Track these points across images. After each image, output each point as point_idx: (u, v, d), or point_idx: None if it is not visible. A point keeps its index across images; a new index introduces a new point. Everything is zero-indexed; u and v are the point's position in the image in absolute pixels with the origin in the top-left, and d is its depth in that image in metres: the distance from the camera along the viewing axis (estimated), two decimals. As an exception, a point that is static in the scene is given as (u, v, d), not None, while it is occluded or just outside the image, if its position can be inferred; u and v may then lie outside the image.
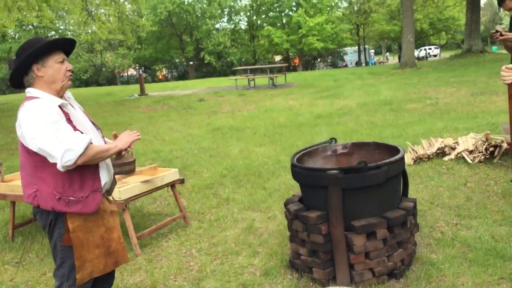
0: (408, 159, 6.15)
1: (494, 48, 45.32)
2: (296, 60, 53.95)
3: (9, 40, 49.29)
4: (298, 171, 3.68)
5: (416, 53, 34.36)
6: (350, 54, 57.59)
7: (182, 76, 54.93)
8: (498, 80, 13.70)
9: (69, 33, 49.55)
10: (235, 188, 6.13)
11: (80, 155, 2.45)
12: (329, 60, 57.73)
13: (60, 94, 2.67)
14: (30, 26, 48.76)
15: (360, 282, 3.41)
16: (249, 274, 3.82)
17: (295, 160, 3.82)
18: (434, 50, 55.95)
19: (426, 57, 47.85)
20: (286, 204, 3.89)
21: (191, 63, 52.35)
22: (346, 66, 52.08)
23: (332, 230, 3.44)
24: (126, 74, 58.25)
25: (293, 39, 48.25)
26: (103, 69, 49.89)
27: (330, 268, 3.52)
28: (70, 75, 2.70)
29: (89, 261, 2.68)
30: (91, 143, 2.52)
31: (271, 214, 5.09)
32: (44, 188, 2.58)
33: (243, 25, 56.67)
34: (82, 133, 2.60)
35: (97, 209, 2.66)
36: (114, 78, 51.84)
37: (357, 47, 57.12)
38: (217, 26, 52.99)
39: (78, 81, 48.94)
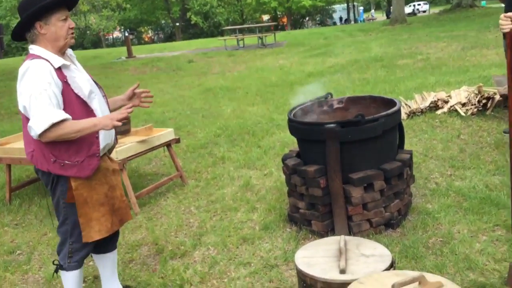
0: (402, 113, 6.17)
1: (483, 2, 44.89)
2: (284, 19, 53.21)
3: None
4: (296, 126, 3.69)
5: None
6: (339, 11, 56.84)
7: (169, 38, 54.05)
8: (488, 34, 13.70)
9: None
10: (230, 147, 6.15)
11: (41, 135, 2.41)
12: (317, 19, 56.98)
13: (62, 51, 2.63)
14: (10, -11, 47.43)
15: (358, 232, 3.49)
16: (248, 229, 3.88)
17: (292, 115, 3.83)
18: (423, 6, 55.36)
19: (414, 13, 47.34)
20: (284, 160, 3.92)
21: (177, 24, 51.41)
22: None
23: (330, 183, 3.48)
24: (111, 36, 57.22)
25: (281, -3, 47.44)
26: (88, 32, 48.91)
27: (328, 220, 3.58)
28: (73, 33, 2.65)
29: (96, 219, 2.69)
30: (63, 120, 2.41)
31: (267, 171, 5.13)
32: (40, 148, 2.58)
33: (229, -17, 55.51)
34: (78, 97, 2.56)
35: (91, 174, 2.63)
36: (99, 41, 50.91)
37: (345, 4, 56.33)
38: (203, -15, 51.85)
39: (64, 45, 48.03)
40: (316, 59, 14.22)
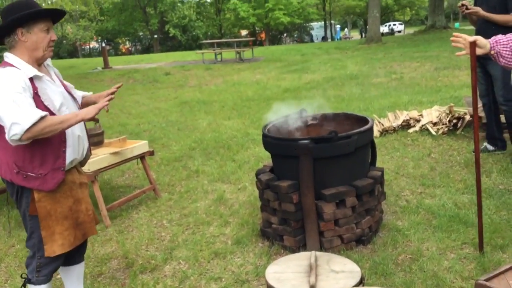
0: (375, 131, 6.27)
1: (457, 24, 46.17)
2: (263, 35, 53.63)
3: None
4: (270, 141, 3.72)
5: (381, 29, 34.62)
6: (316, 29, 57.62)
7: (146, 50, 53.87)
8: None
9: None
10: (204, 161, 6.14)
11: (27, 130, 2.33)
12: (295, 35, 57.63)
13: (39, 62, 2.61)
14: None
15: (330, 248, 3.51)
16: (221, 243, 3.87)
17: (266, 130, 3.85)
18: (399, 26, 56.54)
19: (392, 33, 48.36)
20: (257, 174, 3.93)
21: (155, 36, 51.32)
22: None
23: (303, 198, 3.50)
24: (88, 46, 56.79)
25: (259, 13, 47.85)
26: (64, 41, 48.42)
27: (300, 236, 3.59)
28: (53, 45, 2.63)
29: (59, 233, 2.64)
30: (43, 117, 2.37)
31: (241, 186, 5.14)
32: (4, 158, 2.54)
33: (209, -2, 55.82)
34: (48, 109, 2.51)
35: (54, 188, 2.58)
36: (75, 51, 50.49)
37: (323, 22, 57.17)
38: (182, -2, 52.02)
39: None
40: (293, 75, 14.35)
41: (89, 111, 2.53)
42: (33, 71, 2.51)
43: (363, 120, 3.92)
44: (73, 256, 2.92)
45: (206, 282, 3.32)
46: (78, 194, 2.75)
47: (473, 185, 4.47)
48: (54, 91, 2.61)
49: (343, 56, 18.70)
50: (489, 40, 2.98)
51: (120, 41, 58.90)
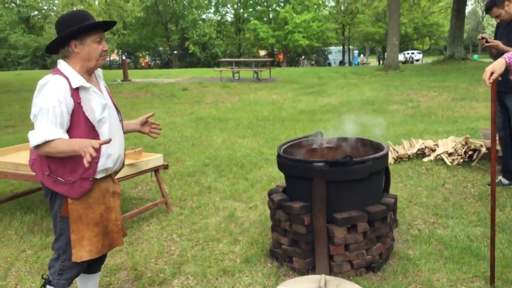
0: (389, 158, 6.26)
1: (476, 56, 46.12)
2: (281, 56, 54.03)
3: (-9, 17, 48.26)
4: (284, 162, 3.73)
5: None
6: (334, 53, 57.93)
7: (165, 65, 54.51)
8: (478, 87, 14.00)
9: (52, 14, 48.79)
10: (217, 177, 6.16)
11: (36, 147, 2.49)
12: (313, 58, 57.93)
13: (90, 72, 2.70)
14: (12, 4, 47.85)
15: (339, 273, 3.49)
16: (229, 261, 3.87)
17: (281, 151, 3.87)
18: (417, 55, 56.62)
19: (412, 61, 48.45)
20: (270, 194, 3.94)
21: (175, 52, 51.98)
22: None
23: (315, 221, 3.50)
24: (108, 59, 57.57)
25: (278, 35, 48.34)
26: (86, 52, 49.14)
27: (310, 258, 3.58)
28: (105, 55, 2.72)
29: (88, 239, 2.66)
30: (50, 141, 2.45)
31: (252, 204, 5.14)
32: (40, 159, 2.62)
33: (229, 17, 56.58)
34: (88, 119, 2.57)
35: (79, 197, 2.61)
36: (95, 62, 51.13)
37: (341, 47, 57.46)
38: (204, 16, 52.73)
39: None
40: (309, 97, 14.41)
41: (84, 148, 2.37)
42: (80, 82, 2.58)
43: (379, 146, 3.93)
44: (93, 265, 2.94)
45: (213, 299, 3.31)
46: (110, 202, 2.77)
47: (486, 218, 4.43)
48: (98, 103, 2.65)
49: (360, 81, 18.75)
50: (503, 56, 2.99)
51: (140, 55, 59.74)
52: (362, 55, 59.81)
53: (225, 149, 7.66)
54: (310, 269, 3.57)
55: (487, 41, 4.86)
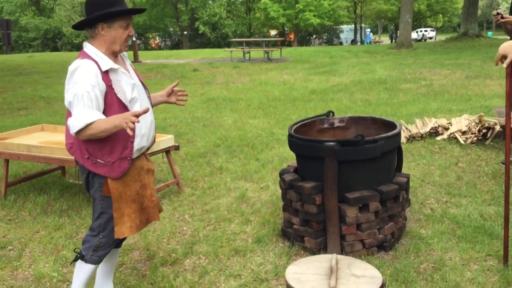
0: (401, 137, 6.19)
1: (490, 33, 45.35)
2: (292, 35, 53.55)
3: (1, 0, 48.32)
4: (295, 142, 3.71)
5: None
6: (346, 32, 57.27)
7: (176, 46, 54.35)
8: (492, 65, 13.74)
9: (62, -5, 48.69)
10: (228, 158, 6.16)
11: (77, 133, 2.54)
12: (324, 37, 57.35)
13: (115, 55, 2.71)
14: (22, -13, 47.78)
15: (351, 252, 3.48)
16: (241, 241, 3.88)
17: (292, 130, 3.85)
18: (430, 33, 55.83)
19: (424, 39, 47.79)
20: (281, 174, 3.93)
21: (185, 32, 51.70)
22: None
23: (326, 201, 3.49)
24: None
25: (289, 14, 47.80)
26: (96, 34, 49.12)
27: (321, 238, 3.58)
28: (129, 40, 2.73)
29: (128, 215, 2.74)
30: (91, 124, 2.49)
31: (263, 185, 5.14)
32: (78, 143, 2.67)
33: (239, -4, 56.02)
34: (120, 101, 2.62)
35: (119, 176, 2.68)
36: (106, 44, 51.14)
37: (353, 25, 56.77)
38: (213, -4, 52.30)
39: (70, 45, 48.27)
40: (320, 77, 14.29)
41: (122, 122, 2.46)
42: (109, 64, 2.61)
43: (391, 125, 3.88)
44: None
45: (225, 278, 3.33)
46: (144, 179, 2.83)
47: (500, 197, 4.39)
48: (127, 83, 2.69)
49: (372, 60, 18.54)
50: None
51: (150, 36, 59.53)
52: (371, 34, 59.11)
53: (236, 129, 7.65)
54: (322, 249, 3.58)
55: (502, 17, 4.76)
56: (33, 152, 4.63)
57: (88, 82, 2.52)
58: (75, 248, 2.91)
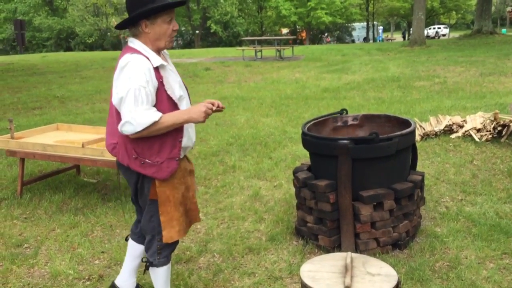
0: (416, 135, 6.15)
1: (504, 30, 44.83)
2: (303, 34, 53.42)
3: (15, 0, 48.81)
4: (309, 140, 3.70)
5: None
6: (358, 29, 57.00)
7: (188, 45, 54.49)
8: (507, 62, 13.64)
9: (75, -5, 49.01)
10: (241, 157, 6.16)
11: (140, 131, 2.45)
12: (336, 35, 57.12)
13: (160, 51, 2.66)
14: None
15: (365, 250, 3.47)
16: (255, 239, 3.88)
17: (306, 129, 3.84)
18: (443, 30, 55.34)
19: (437, 37, 47.37)
20: (295, 172, 3.92)
21: (197, 31, 51.82)
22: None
23: (340, 199, 3.48)
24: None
25: (301, 12, 47.69)
26: (108, 34, 49.49)
27: (336, 236, 3.57)
28: (174, 34, 2.67)
29: (176, 219, 2.70)
30: (157, 121, 2.45)
31: (277, 183, 5.14)
32: (124, 143, 2.60)
33: (251, -5, 55.95)
34: (170, 98, 2.58)
35: (168, 176, 2.63)
36: (119, 44, 51.46)
37: (365, 23, 56.48)
38: (225, -5, 52.30)
39: (83, 44, 48.64)
40: (333, 75, 14.24)
41: (200, 115, 2.52)
42: (159, 60, 2.55)
43: (405, 123, 3.86)
44: None
45: (240, 276, 3.34)
46: (188, 181, 2.79)
47: (516, 195, 4.34)
48: (175, 81, 2.65)
49: (385, 57, 18.43)
50: None
51: (162, 35, 59.61)
52: (380, 28, 58.65)
53: (249, 128, 7.65)
54: (336, 247, 3.57)
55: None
56: (48, 151, 4.68)
57: (143, 77, 2.45)
58: (143, 258, 2.92)
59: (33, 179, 5.28)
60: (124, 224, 4.26)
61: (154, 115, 2.44)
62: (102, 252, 3.79)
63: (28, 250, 3.90)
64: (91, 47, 47.69)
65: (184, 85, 2.82)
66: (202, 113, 2.52)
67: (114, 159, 4.23)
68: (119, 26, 2.69)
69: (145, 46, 2.57)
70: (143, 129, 2.44)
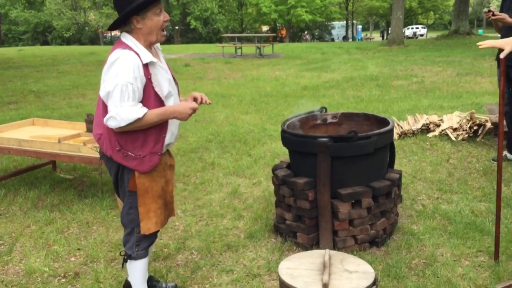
0: (394, 133, 6.21)
1: (481, 31, 45.63)
2: (283, 31, 53.51)
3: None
4: (288, 138, 3.71)
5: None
6: (338, 28, 57.33)
7: (167, 40, 53.97)
8: (483, 62, 13.86)
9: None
10: (220, 154, 6.14)
11: (122, 127, 2.50)
12: (316, 34, 57.37)
13: (152, 45, 2.69)
14: (12, -21, 47.29)
15: (343, 248, 3.49)
16: (233, 236, 3.88)
17: (285, 126, 3.84)
18: (421, 30, 56.02)
19: (415, 37, 47.96)
20: (274, 170, 3.93)
21: (176, 27, 51.46)
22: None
23: (319, 196, 3.49)
24: (109, 34, 57.12)
25: (281, 10, 47.72)
26: (86, 28, 48.84)
27: (314, 234, 3.59)
28: (166, 26, 2.70)
29: (153, 211, 2.73)
30: (141, 117, 2.49)
31: (256, 180, 5.14)
32: (108, 134, 2.63)
33: (231, -8, 55.80)
34: (157, 95, 2.60)
35: (149, 170, 2.67)
36: (97, 38, 50.86)
37: (345, 22, 56.85)
38: (205, -9, 52.03)
39: (60, 39, 47.89)
40: (312, 73, 14.30)
41: (185, 112, 2.60)
42: (149, 57, 2.57)
43: (384, 121, 3.89)
44: None
45: (218, 273, 3.33)
46: (168, 175, 2.83)
47: (491, 193, 4.42)
48: (164, 78, 2.68)
49: (363, 56, 18.58)
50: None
51: (141, 31, 59.03)
52: (360, 27, 59.08)
53: (228, 125, 7.63)
54: (314, 244, 3.58)
55: (493, 14, 4.77)
56: (24, 147, 4.59)
57: (131, 74, 2.48)
58: (120, 252, 2.92)
59: (8, 175, 5.18)
60: (100, 221, 4.21)
61: (138, 112, 2.49)
62: (78, 249, 3.74)
63: (2, 247, 3.82)
64: (68, 41, 46.98)
65: (175, 81, 2.83)
66: (186, 114, 2.60)
67: (91, 154, 4.23)
68: (112, 27, 2.70)
69: (136, 41, 2.60)
70: (127, 125, 2.49)
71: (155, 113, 2.55)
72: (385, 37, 46.46)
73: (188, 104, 2.62)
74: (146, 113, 2.51)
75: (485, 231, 3.72)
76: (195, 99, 2.85)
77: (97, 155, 4.12)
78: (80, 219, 4.25)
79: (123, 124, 2.48)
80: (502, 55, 2.97)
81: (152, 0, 2.55)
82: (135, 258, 2.80)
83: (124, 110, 2.46)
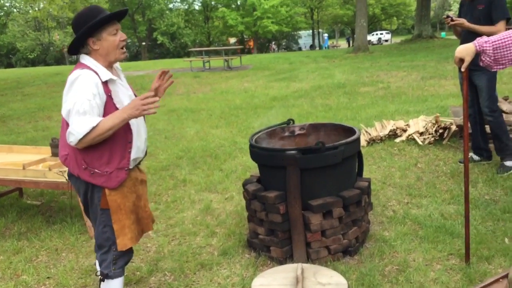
0: (362, 141, 6.29)
1: (443, 34, 46.73)
2: (251, 43, 53.82)
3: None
4: (257, 152, 3.70)
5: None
6: (304, 37, 58.00)
7: (134, 57, 53.71)
8: (446, 65, 14.17)
9: (15, 10, 47.54)
10: (191, 170, 6.10)
11: (81, 139, 2.48)
12: (283, 44, 57.88)
13: (111, 65, 2.72)
14: (-28, 2, 46.45)
15: (317, 259, 3.49)
16: (207, 254, 3.84)
17: (253, 140, 3.84)
18: (386, 35, 57.10)
19: (381, 43, 48.83)
20: (244, 185, 3.91)
21: (143, 43, 51.26)
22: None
23: (290, 209, 3.49)
24: (75, 53, 56.43)
25: (247, 22, 48.08)
26: (51, 48, 48.16)
27: (287, 247, 3.58)
28: (124, 45, 2.71)
29: (128, 227, 2.74)
30: (94, 127, 2.47)
31: (228, 195, 5.11)
32: (74, 154, 2.65)
33: (197, 5, 55.97)
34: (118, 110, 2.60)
35: (117, 186, 2.67)
36: (62, 58, 50.16)
37: (311, 31, 57.54)
38: (171, 6, 52.03)
39: (25, 60, 47.10)
40: (281, 84, 14.38)
41: (137, 107, 2.53)
42: (108, 75, 2.63)
43: (350, 130, 3.93)
44: None
45: (192, 294, 3.28)
46: (139, 190, 2.85)
47: (459, 195, 4.50)
48: (125, 94, 2.74)
49: (330, 65, 18.80)
50: (473, 43, 2.96)
51: (107, 48, 58.60)
52: (326, 35, 59.86)
53: (199, 140, 7.60)
54: (288, 257, 3.57)
55: (452, 20, 4.89)
56: (-12, 174, 4.47)
57: (90, 91, 2.51)
58: (96, 272, 2.90)
59: (-28, 204, 5.03)
60: (70, 247, 4.11)
61: (91, 121, 2.49)
62: (48, 277, 3.65)
63: (-33, 280, 3.70)
64: (33, 63, 46.23)
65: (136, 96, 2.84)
66: (140, 106, 2.53)
67: (57, 179, 4.14)
68: (71, 51, 2.73)
69: (95, 62, 2.64)
70: (84, 136, 2.48)
71: (108, 117, 2.55)
72: (351, 44, 47.16)
73: (137, 99, 2.58)
74: (100, 120, 2.51)
75: (455, 233, 3.77)
76: (155, 90, 2.99)
77: (64, 180, 4.04)
78: (49, 246, 4.15)
79: (80, 136, 2.47)
80: (463, 68, 3.03)
81: (104, 21, 2.59)
82: (112, 277, 2.79)
83: (78, 123, 2.47)
